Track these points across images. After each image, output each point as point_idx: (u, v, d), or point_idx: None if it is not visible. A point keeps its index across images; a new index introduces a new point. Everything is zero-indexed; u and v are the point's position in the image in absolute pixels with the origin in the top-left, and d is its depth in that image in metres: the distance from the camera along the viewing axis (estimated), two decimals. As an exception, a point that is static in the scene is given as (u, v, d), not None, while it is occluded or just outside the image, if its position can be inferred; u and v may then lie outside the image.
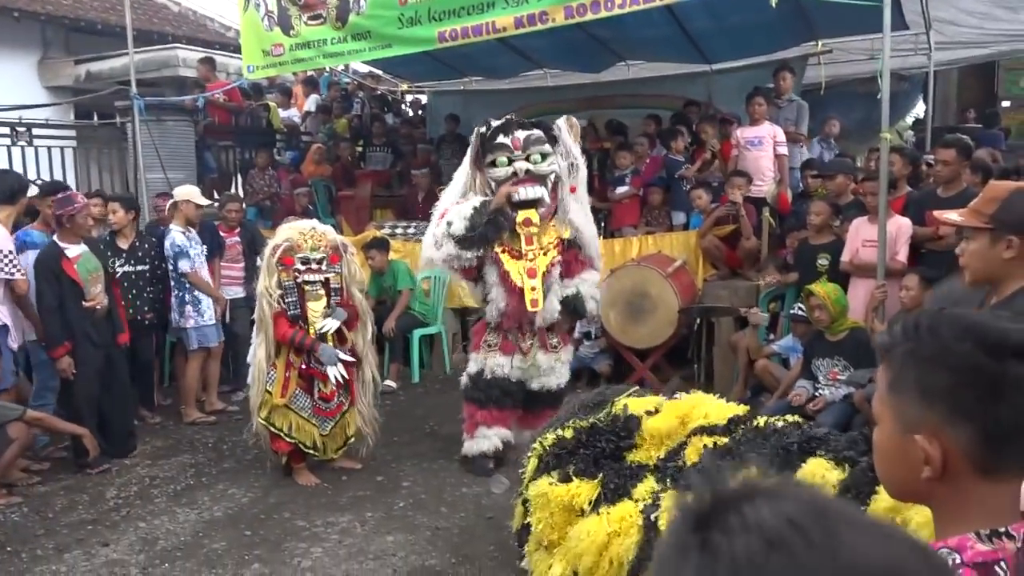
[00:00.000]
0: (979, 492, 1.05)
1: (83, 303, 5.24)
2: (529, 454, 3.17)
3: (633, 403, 3.06)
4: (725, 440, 2.74)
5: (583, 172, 5.21)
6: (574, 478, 2.84)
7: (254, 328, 5.11)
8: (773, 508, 0.68)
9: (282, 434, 4.98)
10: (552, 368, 5.17)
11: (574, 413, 3.12)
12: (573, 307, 5.12)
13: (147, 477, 5.26)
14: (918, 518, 1.87)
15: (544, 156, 4.98)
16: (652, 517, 2.52)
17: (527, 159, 4.95)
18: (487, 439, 5.13)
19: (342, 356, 5.01)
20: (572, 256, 5.14)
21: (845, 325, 5.06)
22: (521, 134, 4.95)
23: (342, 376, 5.01)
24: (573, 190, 5.11)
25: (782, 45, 8.18)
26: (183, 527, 4.52)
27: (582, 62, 9.30)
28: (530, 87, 10.50)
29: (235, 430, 6.15)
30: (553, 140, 5.03)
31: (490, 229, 4.88)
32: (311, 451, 5.05)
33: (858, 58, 8.57)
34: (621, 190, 7.83)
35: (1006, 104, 11.19)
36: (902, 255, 5.35)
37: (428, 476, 5.15)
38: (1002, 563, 1.01)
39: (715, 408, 2.93)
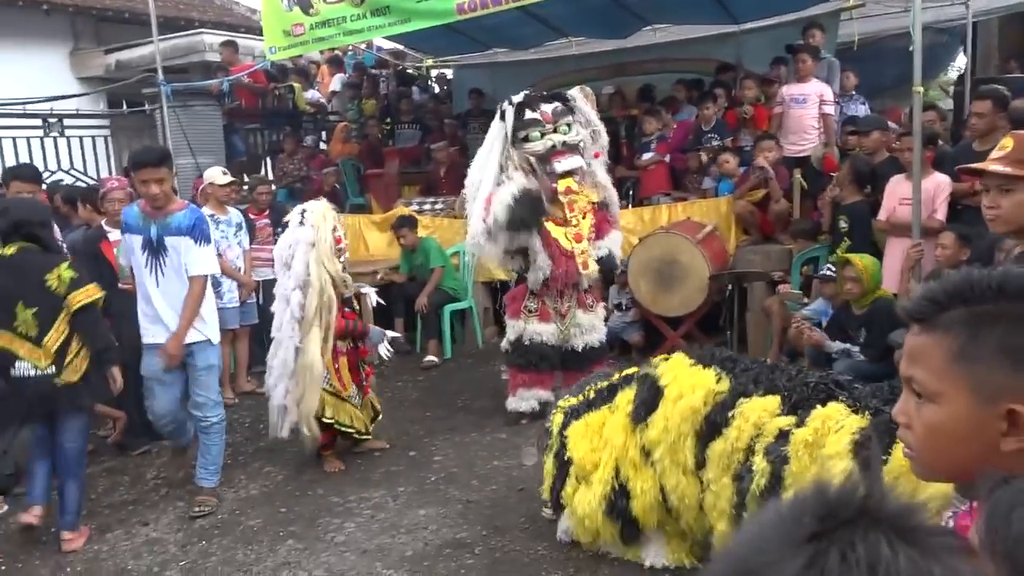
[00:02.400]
0: None
1: (119, 285, 5.29)
2: (554, 412, 3.91)
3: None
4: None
5: (604, 138, 5.53)
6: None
7: (293, 324, 4.72)
8: (914, 565, 0.57)
9: (339, 425, 4.88)
10: (593, 326, 5.48)
11: (589, 384, 3.80)
12: (608, 266, 5.50)
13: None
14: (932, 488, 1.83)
15: (569, 126, 5.25)
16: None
17: (557, 131, 5.20)
18: (526, 400, 5.47)
19: (388, 334, 5.20)
20: (602, 218, 5.45)
21: (872, 297, 4.93)
22: (547, 107, 5.24)
23: (389, 351, 5.24)
24: (597, 155, 5.44)
25: (813, 1, 7.95)
26: (220, 505, 4.60)
27: (607, 28, 9.12)
28: (556, 56, 10.34)
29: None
30: (571, 110, 5.32)
31: (528, 213, 5.13)
32: (364, 435, 5.05)
33: (893, 10, 8.29)
34: (646, 156, 7.72)
35: (1051, 52, 10.74)
36: (941, 213, 5.21)
37: (460, 450, 5.17)
38: None
39: None
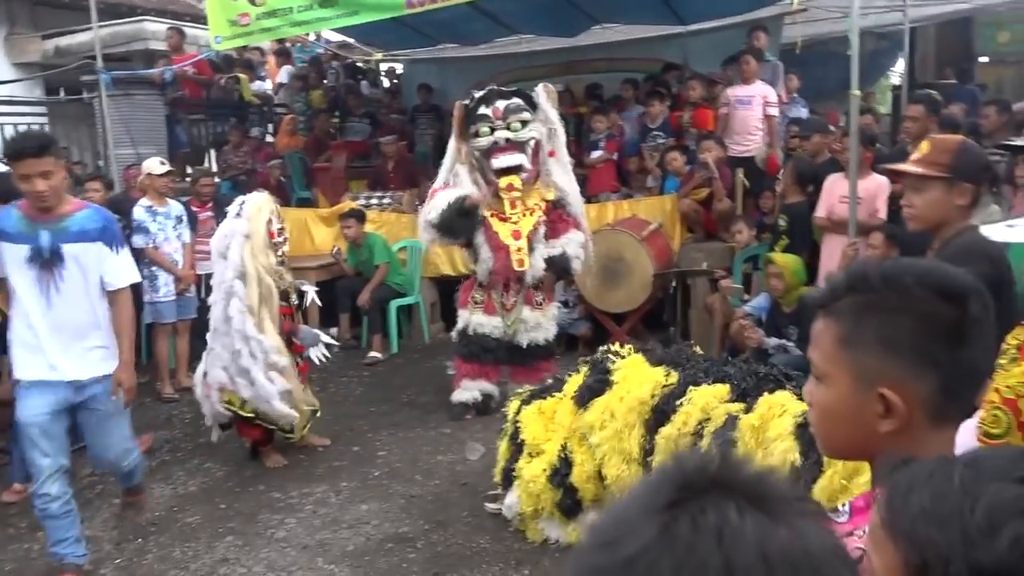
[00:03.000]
0: (927, 441, 1.05)
1: None
2: (510, 401, 4.16)
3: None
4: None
5: (562, 136, 5.54)
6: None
7: (245, 315, 4.54)
8: (760, 528, 0.58)
9: (259, 421, 4.75)
10: (539, 324, 5.47)
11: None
12: (560, 266, 5.42)
13: (122, 454, 5.23)
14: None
15: (524, 123, 5.26)
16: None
17: (507, 128, 5.22)
18: (469, 391, 5.49)
19: (323, 338, 5.07)
20: (557, 216, 5.44)
21: (797, 294, 5.09)
22: (501, 104, 5.26)
23: (324, 357, 5.08)
24: (552, 154, 5.44)
25: (758, 4, 8.10)
26: (158, 502, 4.50)
27: (556, 26, 9.17)
28: (505, 53, 10.35)
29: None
30: (533, 107, 5.34)
31: (459, 224, 5.28)
32: (288, 435, 4.91)
33: (834, 15, 8.50)
34: (595, 155, 7.79)
35: (984, 60, 11.14)
36: (882, 212, 5.38)
37: (404, 445, 5.15)
38: None
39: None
